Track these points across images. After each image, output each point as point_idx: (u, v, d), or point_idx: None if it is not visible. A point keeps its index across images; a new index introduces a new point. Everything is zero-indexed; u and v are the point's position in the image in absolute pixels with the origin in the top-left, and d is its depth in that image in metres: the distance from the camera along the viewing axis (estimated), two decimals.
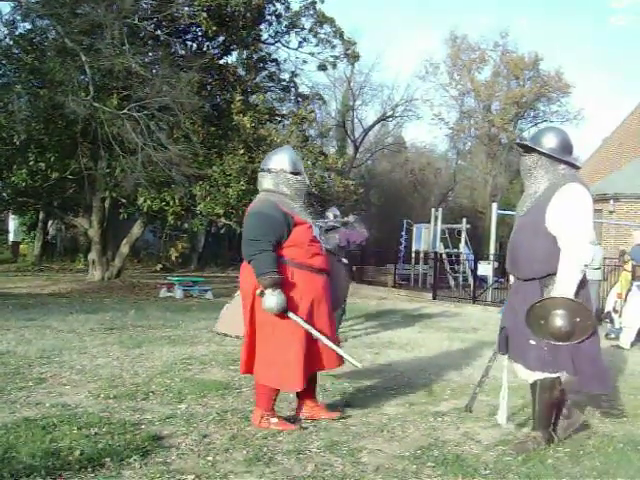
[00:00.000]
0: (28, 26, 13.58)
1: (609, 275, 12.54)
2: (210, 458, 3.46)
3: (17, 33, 13.35)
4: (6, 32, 12.86)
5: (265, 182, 4.15)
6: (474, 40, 33.91)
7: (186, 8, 14.44)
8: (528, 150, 3.85)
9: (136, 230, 16.40)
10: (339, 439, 3.84)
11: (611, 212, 16.43)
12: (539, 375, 3.76)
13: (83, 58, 11.83)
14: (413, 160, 38.46)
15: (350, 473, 3.32)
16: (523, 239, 3.82)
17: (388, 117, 35.00)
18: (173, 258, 15.53)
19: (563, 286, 3.59)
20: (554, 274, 3.67)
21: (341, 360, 4.16)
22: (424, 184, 37.18)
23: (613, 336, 9.13)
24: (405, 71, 77.36)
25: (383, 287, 18.37)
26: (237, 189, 14.68)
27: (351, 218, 7.72)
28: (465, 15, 59.90)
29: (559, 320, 3.52)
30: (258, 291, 3.88)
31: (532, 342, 3.70)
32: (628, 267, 9.23)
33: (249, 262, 3.94)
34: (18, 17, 12.97)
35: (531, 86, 32.91)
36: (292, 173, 4.11)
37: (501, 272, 15.98)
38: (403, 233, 23.97)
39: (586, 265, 3.69)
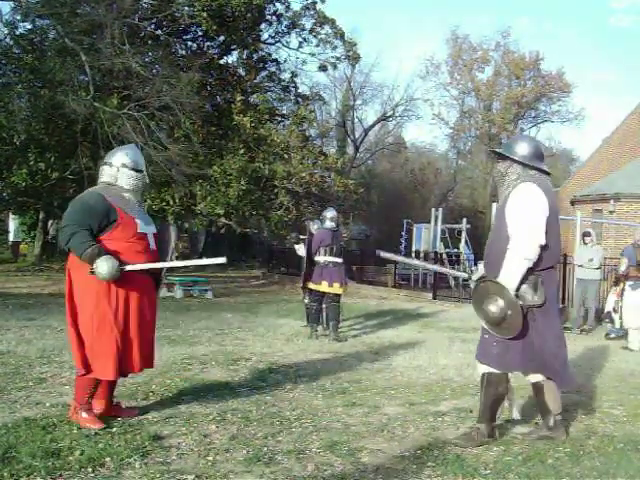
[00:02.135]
0: (28, 26, 13.63)
1: (609, 275, 12.52)
2: (210, 458, 3.45)
3: (17, 33, 13.36)
4: (6, 32, 12.88)
5: (105, 175, 4.16)
6: (476, 40, 33.98)
7: (186, 8, 14.47)
8: (501, 157, 3.95)
9: None
10: (339, 439, 3.84)
11: (611, 212, 16.39)
12: (485, 369, 3.87)
13: (83, 58, 11.84)
14: (413, 160, 38.53)
15: (350, 473, 3.32)
16: (492, 242, 3.92)
17: (388, 117, 35.03)
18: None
19: (505, 278, 3.67)
20: None
21: (153, 362, 4.19)
22: (424, 184, 37.21)
23: (613, 336, 9.13)
24: (405, 71, 77.60)
25: (383, 287, 18.32)
26: (237, 189, 14.68)
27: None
28: (466, 15, 60.02)
29: (492, 305, 3.67)
30: (89, 270, 3.81)
31: (485, 336, 3.85)
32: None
33: (68, 250, 3.90)
34: (18, 17, 13.00)
35: (532, 86, 32.89)
36: (133, 170, 4.15)
37: None
38: (403, 233, 23.96)
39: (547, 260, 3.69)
